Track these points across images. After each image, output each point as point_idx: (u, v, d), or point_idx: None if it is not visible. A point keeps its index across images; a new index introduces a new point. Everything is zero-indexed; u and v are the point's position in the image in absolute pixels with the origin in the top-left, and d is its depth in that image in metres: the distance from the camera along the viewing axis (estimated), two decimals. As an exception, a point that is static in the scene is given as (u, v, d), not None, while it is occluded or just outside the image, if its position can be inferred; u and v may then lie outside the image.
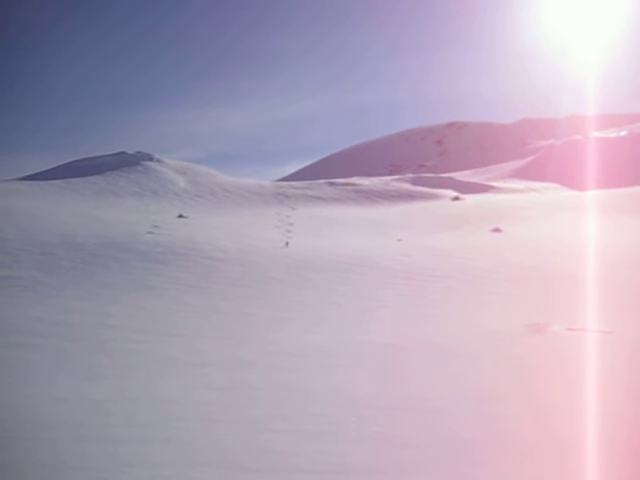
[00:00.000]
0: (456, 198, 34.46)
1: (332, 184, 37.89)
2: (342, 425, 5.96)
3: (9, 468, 4.88)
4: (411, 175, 46.93)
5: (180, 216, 26.05)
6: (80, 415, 6.12)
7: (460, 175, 50.78)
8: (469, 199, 34.06)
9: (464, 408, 6.58)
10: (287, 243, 17.90)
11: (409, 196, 35.28)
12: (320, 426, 5.94)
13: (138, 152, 41.40)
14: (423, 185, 38.78)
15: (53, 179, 35.43)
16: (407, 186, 38.15)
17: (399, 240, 21.78)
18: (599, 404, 6.77)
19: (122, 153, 41.51)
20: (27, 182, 35.08)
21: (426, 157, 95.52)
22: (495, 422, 6.17)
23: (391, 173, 69.45)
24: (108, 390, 7.01)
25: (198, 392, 7.01)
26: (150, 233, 19.97)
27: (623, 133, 58.60)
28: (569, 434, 5.82)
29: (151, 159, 39.81)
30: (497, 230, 23.85)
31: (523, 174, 50.98)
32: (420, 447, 5.48)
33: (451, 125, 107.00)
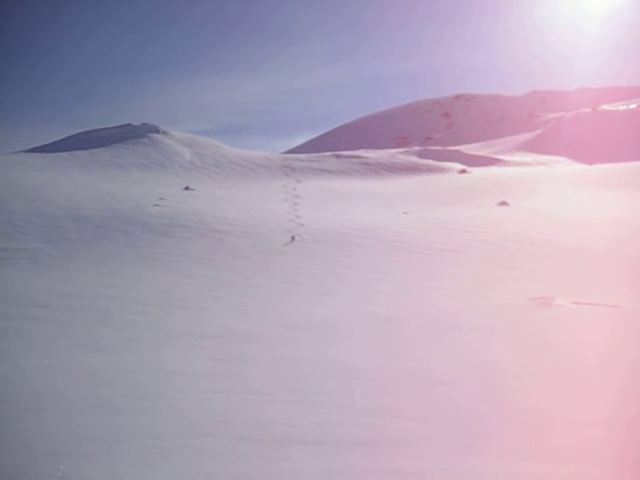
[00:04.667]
0: (463, 171, 34.19)
1: (338, 156, 37.62)
2: (343, 397, 5.93)
3: (9, 438, 4.88)
4: (418, 148, 46.53)
5: (187, 188, 25.94)
6: (81, 386, 6.12)
7: (467, 148, 50.41)
8: (476, 172, 33.80)
9: (468, 381, 6.55)
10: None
11: (416, 169, 35.02)
12: (320, 398, 5.92)
13: (144, 124, 41.14)
14: (430, 158, 38.45)
15: (59, 151, 35.32)
16: (414, 159, 37.87)
17: (405, 213, 21.66)
18: (604, 377, 6.73)
19: (128, 125, 41.27)
20: (33, 154, 35.00)
21: (433, 130, 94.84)
22: (499, 395, 6.14)
23: (398, 145, 68.95)
24: (109, 361, 7.01)
25: (199, 363, 6.99)
26: (156, 205, 19.91)
27: (632, 106, 58.04)
28: (575, 407, 5.78)
29: (157, 131, 39.56)
30: (504, 203, 23.68)
31: (531, 147, 50.57)
32: (421, 419, 5.45)
33: (458, 97, 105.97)
